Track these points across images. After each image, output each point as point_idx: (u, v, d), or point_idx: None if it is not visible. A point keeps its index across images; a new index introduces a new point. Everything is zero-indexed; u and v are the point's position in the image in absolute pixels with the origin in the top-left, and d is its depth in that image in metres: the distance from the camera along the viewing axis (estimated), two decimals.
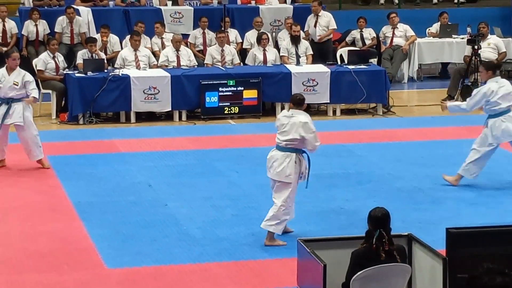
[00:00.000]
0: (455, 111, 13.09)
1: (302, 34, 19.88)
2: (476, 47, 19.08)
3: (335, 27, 20.91)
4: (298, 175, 10.51)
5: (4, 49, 19.81)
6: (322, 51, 20.54)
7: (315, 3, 20.86)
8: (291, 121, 10.47)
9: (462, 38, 21.07)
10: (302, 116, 10.47)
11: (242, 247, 10.57)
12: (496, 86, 12.60)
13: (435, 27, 21.99)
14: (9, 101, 13.76)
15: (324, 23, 20.72)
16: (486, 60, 19.09)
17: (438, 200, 12.13)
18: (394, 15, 21.35)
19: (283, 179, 10.47)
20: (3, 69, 13.96)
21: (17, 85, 13.75)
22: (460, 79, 19.37)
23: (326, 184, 13.05)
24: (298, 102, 10.67)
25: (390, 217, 7.72)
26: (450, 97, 19.27)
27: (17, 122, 13.77)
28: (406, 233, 8.11)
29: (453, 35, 21.78)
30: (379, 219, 7.65)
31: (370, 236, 7.60)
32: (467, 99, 12.89)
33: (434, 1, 24.91)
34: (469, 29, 21.12)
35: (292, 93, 17.66)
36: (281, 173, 10.47)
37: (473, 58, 19.09)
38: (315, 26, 20.62)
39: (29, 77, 13.97)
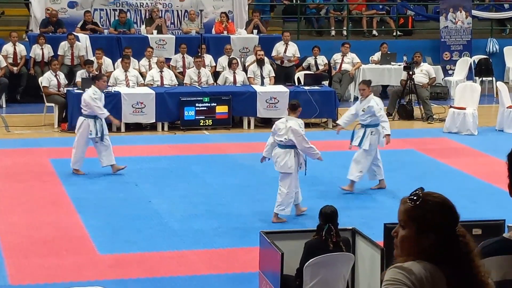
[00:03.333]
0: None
1: (266, 59, 19.89)
2: (411, 72, 19.17)
3: (299, 55, 21.01)
4: (297, 165, 11.12)
5: (15, 68, 19.71)
6: (287, 74, 20.63)
7: (287, 34, 21.00)
8: (286, 125, 11.08)
9: (399, 65, 21.13)
10: (292, 122, 11.08)
11: (213, 237, 10.57)
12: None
13: (377, 56, 22.06)
14: (97, 117, 13.65)
15: (292, 51, 20.82)
16: (420, 84, 19.24)
17: (378, 200, 12.18)
18: (347, 45, 21.35)
19: (286, 171, 11.00)
20: (96, 89, 13.74)
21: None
22: (397, 99, 19.46)
23: None
24: (292, 107, 11.36)
25: (338, 214, 7.75)
26: (389, 114, 19.34)
27: (108, 133, 13.91)
28: (350, 227, 8.13)
29: (391, 62, 21.85)
30: (328, 215, 7.68)
31: (321, 229, 7.63)
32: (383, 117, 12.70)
33: (374, 33, 24.94)
34: (405, 58, 21.22)
35: (257, 109, 17.82)
36: (284, 166, 11.02)
37: (408, 82, 19.19)
38: (285, 52, 20.71)
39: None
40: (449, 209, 3.51)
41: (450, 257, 3.47)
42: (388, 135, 12.60)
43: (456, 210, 3.52)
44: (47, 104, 17.83)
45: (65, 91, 17.72)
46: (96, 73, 18.35)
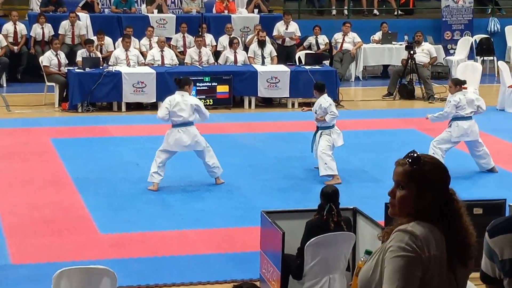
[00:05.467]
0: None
1: (267, 39, 19.83)
2: (412, 52, 19.14)
3: (300, 34, 20.95)
4: None
5: (15, 47, 19.66)
6: (288, 53, 20.60)
7: (288, 16, 20.88)
8: (467, 98, 12.31)
9: (401, 45, 21.10)
10: (472, 93, 12.86)
11: (214, 217, 10.58)
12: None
13: (378, 35, 22.01)
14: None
15: (293, 29, 20.73)
16: (421, 63, 19.19)
17: (379, 179, 12.17)
18: (348, 25, 21.28)
19: (477, 138, 12.43)
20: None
21: None
22: (398, 79, 19.42)
23: (286, 165, 13.05)
24: (459, 83, 12.52)
25: (339, 193, 7.74)
26: (390, 94, 19.33)
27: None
28: (351, 207, 8.13)
29: (393, 42, 21.79)
30: (329, 195, 7.67)
31: (322, 209, 7.62)
32: None
33: (375, 12, 24.89)
34: (406, 37, 21.16)
35: (258, 89, 17.80)
36: (476, 134, 12.42)
37: (409, 61, 19.15)
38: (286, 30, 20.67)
39: None
40: (444, 169, 3.78)
41: (445, 214, 3.72)
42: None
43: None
44: (47, 83, 17.81)
45: (66, 71, 17.69)
46: (97, 52, 18.33)
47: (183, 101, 11.61)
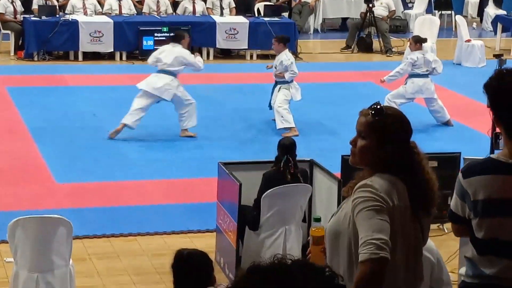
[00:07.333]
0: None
1: None
2: (370, 5, 19.12)
3: None
4: None
5: None
6: (247, 4, 20.43)
7: None
8: (425, 57, 12.52)
9: None
10: (431, 54, 13.00)
11: (172, 168, 10.57)
12: None
13: None
14: None
15: None
16: (379, 16, 19.20)
17: (336, 132, 12.22)
18: None
19: (432, 95, 12.63)
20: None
21: None
22: (356, 32, 19.42)
23: (244, 117, 13.05)
24: (419, 40, 12.71)
25: (296, 145, 7.76)
26: (348, 47, 19.33)
27: None
28: (308, 159, 8.15)
29: None
30: (287, 147, 7.69)
31: (279, 160, 7.64)
32: None
33: None
34: None
35: (217, 40, 17.69)
36: (431, 92, 12.58)
37: (368, 14, 19.15)
38: None
39: None
40: (406, 122, 3.85)
41: (406, 166, 3.78)
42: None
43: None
44: (3, 31, 17.56)
45: (22, 19, 17.44)
46: (54, 0, 18.08)
47: (170, 50, 11.69)
